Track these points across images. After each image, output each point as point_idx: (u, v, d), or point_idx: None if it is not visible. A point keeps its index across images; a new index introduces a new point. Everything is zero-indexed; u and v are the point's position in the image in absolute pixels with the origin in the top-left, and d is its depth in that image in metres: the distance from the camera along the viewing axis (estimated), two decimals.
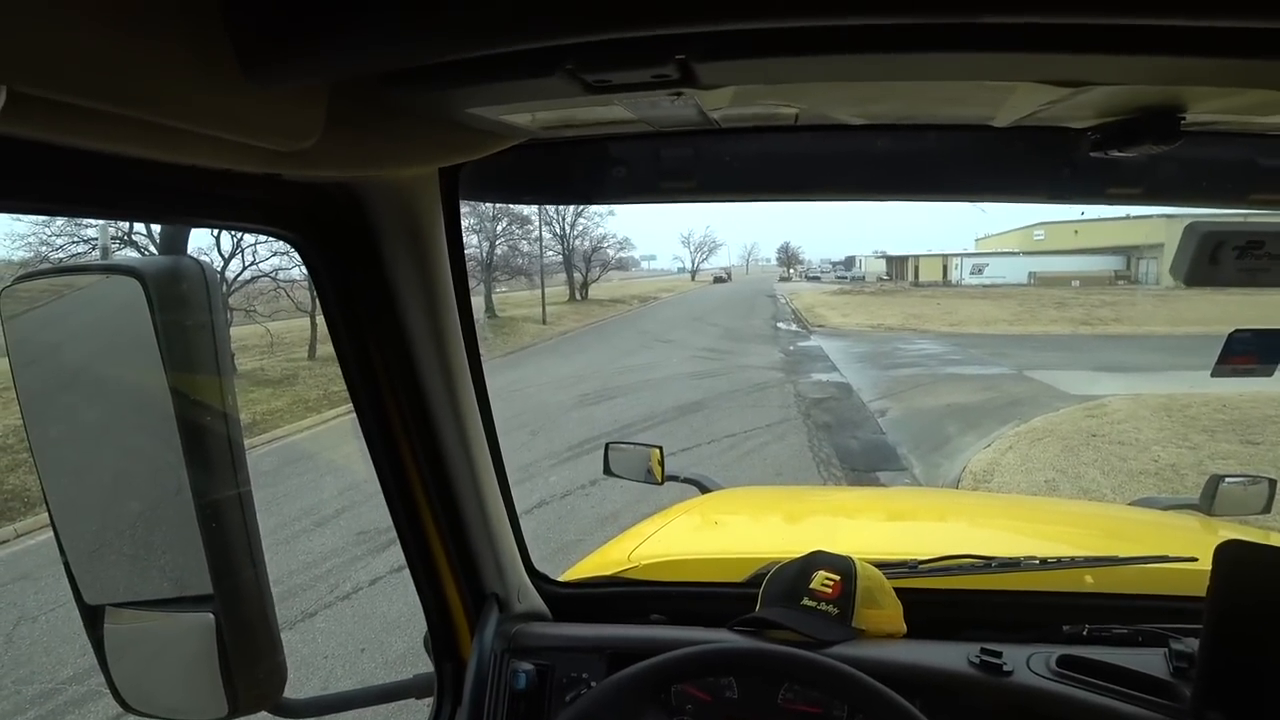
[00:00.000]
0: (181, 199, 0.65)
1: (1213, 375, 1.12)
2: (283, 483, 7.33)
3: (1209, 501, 1.84)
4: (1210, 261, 0.73)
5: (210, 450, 0.78)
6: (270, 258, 15.11)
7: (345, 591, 4.81)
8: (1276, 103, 0.64)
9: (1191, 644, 1.02)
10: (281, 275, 15.49)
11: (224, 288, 14.15)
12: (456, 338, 1.03)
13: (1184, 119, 0.68)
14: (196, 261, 0.79)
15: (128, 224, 11.78)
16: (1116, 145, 0.71)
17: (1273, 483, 1.86)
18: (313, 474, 7.87)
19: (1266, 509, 1.85)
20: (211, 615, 0.76)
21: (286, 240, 0.85)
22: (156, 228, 6.99)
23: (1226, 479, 1.86)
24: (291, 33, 0.42)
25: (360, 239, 0.88)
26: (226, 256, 14.44)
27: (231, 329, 14.80)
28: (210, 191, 0.67)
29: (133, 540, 0.82)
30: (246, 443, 0.83)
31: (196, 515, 0.76)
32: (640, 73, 0.50)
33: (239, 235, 13.68)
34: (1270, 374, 1.08)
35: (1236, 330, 1.09)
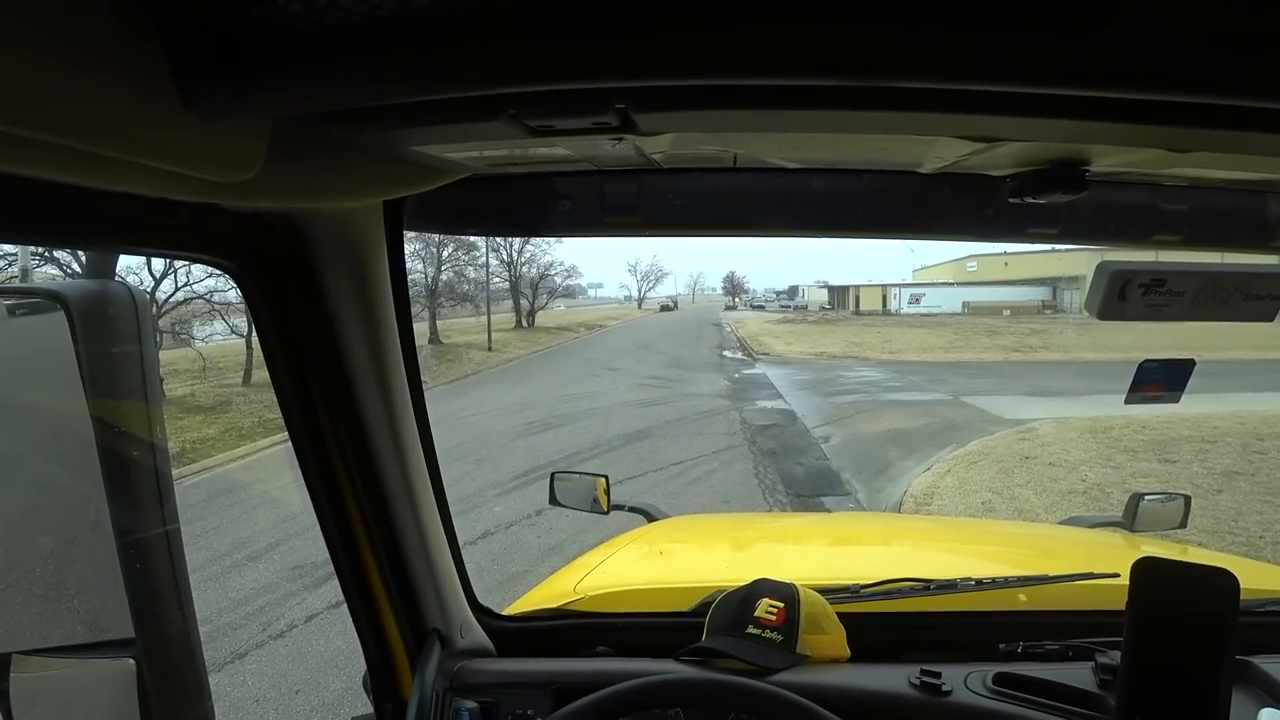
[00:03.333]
0: (113, 225, 0.63)
1: (1126, 403, 1.18)
2: (213, 515, 6.98)
3: (1131, 518, 1.92)
4: (1119, 298, 0.78)
5: (135, 483, 0.74)
6: (205, 279, 14.53)
7: (279, 630, 4.58)
8: (1169, 159, 0.70)
9: (1115, 656, 1.06)
10: (216, 298, 14.91)
11: (154, 309, 13.51)
12: (398, 368, 1.01)
13: (1088, 171, 0.73)
14: (126, 286, 0.76)
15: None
16: (1030, 193, 0.76)
17: (1188, 499, 1.96)
18: (245, 505, 7.52)
19: (1183, 524, 1.95)
20: (132, 661, 0.71)
21: (223, 269, 0.82)
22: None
23: (1146, 497, 1.94)
24: (235, 71, 0.42)
25: (300, 269, 0.87)
26: (158, 277, 13.84)
27: (160, 352, 14.13)
28: (144, 219, 0.64)
29: (43, 580, 0.77)
30: (174, 473, 0.79)
31: (118, 552, 0.72)
32: (581, 120, 0.52)
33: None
34: (1177, 400, 1.15)
35: (1146, 360, 1.16)
